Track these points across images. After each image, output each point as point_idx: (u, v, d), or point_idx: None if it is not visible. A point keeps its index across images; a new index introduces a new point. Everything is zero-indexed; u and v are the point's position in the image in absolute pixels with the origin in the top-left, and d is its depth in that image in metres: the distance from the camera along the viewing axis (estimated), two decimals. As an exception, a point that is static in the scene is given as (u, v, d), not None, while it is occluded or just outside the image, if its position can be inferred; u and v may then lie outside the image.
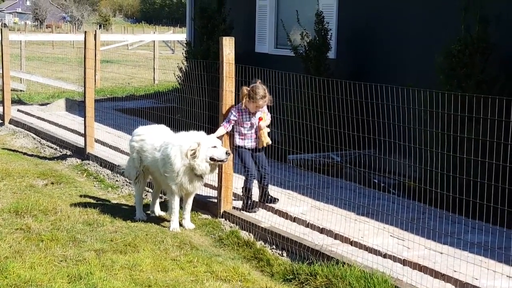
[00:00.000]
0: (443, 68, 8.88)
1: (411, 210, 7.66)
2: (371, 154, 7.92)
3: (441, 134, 7.57)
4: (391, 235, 7.57)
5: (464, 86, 8.44)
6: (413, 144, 6.96)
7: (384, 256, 6.97)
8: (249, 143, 8.52)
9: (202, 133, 8.06)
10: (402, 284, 6.25)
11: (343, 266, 6.54)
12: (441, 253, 6.96)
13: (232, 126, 8.48)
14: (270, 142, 8.48)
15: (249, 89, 8.36)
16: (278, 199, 8.73)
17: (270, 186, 8.83)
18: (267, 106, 8.51)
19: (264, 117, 8.47)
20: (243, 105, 8.39)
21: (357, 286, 6.21)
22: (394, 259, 6.88)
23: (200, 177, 8.01)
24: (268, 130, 8.49)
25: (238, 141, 8.51)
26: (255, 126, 8.49)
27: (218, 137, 8.29)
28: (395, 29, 11.25)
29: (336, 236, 7.58)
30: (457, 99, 7.00)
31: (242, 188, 8.66)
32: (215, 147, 7.87)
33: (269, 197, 8.70)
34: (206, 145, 7.85)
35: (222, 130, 8.46)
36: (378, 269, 6.45)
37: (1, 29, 16.50)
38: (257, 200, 8.71)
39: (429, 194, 6.81)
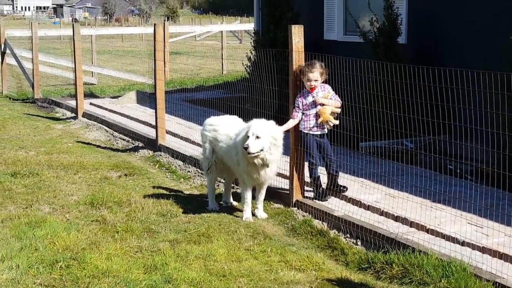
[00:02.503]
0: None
1: (489, 196, 7.48)
2: (445, 140, 7.74)
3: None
4: (468, 222, 7.41)
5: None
6: (490, 129, 6.78)
7: (462, 243, 6.83)
8: (311, 124, 8.39)
9: (257, 121, 7.93)
10: (482, 272, 6.11)
11: (419, 254, 6.44)
12: (522, 240, 6.78)
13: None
14: (333, 121, 8.28)
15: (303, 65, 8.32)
16: (346, 188, 8.61)
17: (342, 174, 8.73)
18: (326, 81, 8.36)
19: (327, 96, 8.32)
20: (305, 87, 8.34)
21: (434, 274, 6.11)
22: (473, 246, 6.73)
23: (263, 165, 7.94)
24: (334, 110, 8.29)
25: (302, 126, 8.41)
26: (316, 108, 8.33)
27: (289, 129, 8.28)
28: (467, 12, 10.99)
29: (411, 224, 7.46)
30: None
31: (310, 177, 8.59)
32: (248, 137, 7.68)
33: (338, 186, 8.58)
34: (246, 134, 7.76)
35: (291, 122, 8.37)
36: (456, 257, 6.33)
37: (73, 24, 16.77)
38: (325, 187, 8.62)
39: (508, 179, 6.62)
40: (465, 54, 10.86)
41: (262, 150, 7.69)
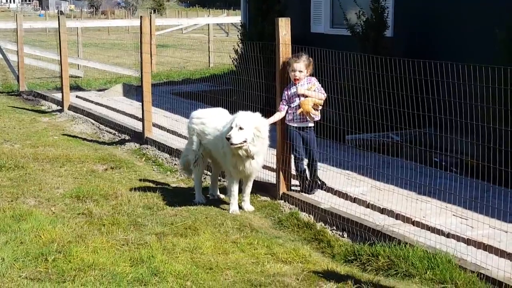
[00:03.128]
0: (505, 43, 8.67)
1: (474, 188, 7.52)
2: (431, 132, 7.77)
3: (503, 111, 7.39)
4: (453, 214, 7.46)
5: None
6: (475, 121, 6.81)
7: (447, 235, 6.88)
8: (293, 116, 8.36)
9: (242, 113, 7.94)
10: (467, 263, 6.15)
11: (405, 246, 6.48)
12: (506, 231, 6.82)
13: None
14: (313, 113, 8.26)
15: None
16: (325, 183, 8.61)
17: (328, 167, 8.74)
18: (312, 75, 8.37)
19: (311, 88, 8.30)
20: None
21: (420, 266, 6.14)
22: (458, 238, 6.78)
23: (247, 157, 7.92)
24: (316, 101, 8.26)
25: (287, 118, 8.41)
26: (299, 99, 8.30)
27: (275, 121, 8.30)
28: (453, 4, 11.02)
29: (397, 216, 7.50)
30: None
31: (296, 170, 8.60)
32: (231, 128, 7.72)
33: (317, 182, 8.58)
34: (230, 126, 7.79)
35: (277, 114, 8.38)
36: (441, 249, 6.37)
37: (59, 17, 16.69)
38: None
39: (492, 172, 6.66)
40: (453, 47, 10.88)
41: (245, 141, 7.70)
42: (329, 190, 8.52)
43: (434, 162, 8.74)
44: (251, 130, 7.73)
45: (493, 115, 7.77)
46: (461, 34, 10.80)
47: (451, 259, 6.16)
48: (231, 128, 7.70)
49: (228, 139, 7.65)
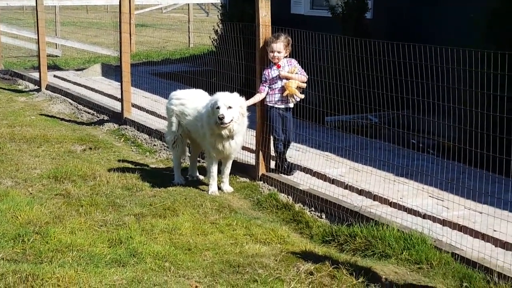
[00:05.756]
0: (481, 25, 8.70)
1: (450, 170, 7.60)
2: (409, 114, 7.82)
3: (480, 93, 7.43)
4: (430, 196, 7.53)
5: (504, 44, 8.26)
6: (452, 104, 6.86)
7: (423, 216, 6.94)
8: (276, 97, 8.39)
9: (223, 93, 7.92)
10: (442, 244, 6.23)
11: (382, 227, 6.53)
12: (481, 212, 6.91)
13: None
14: (299, 95, 8.28)
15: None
16: (295, 169, 8.65)
17: (307, 148, 8.76)
18: (289, 55, 8.39)
19: (293, 70, 8.33)
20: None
21: (396, 246, 6.21)
22: (434, 219, 6.85)
23: (229, 137, 7.94)
24: (299, 84, 8.29)
25: (268, 99, 8.42)
26: (281, 81, 8.34)
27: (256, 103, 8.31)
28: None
29: (375, 198, 7.55)
30: (497, 58, 6.84)
31: (275, 151, 8.62)
32: (218, 108, 7.70)
33: (288, 163, 8.61)
34: (213, 107, 7.78)
35: (258, 96, 8.40)
36: (417, 230, 6.43)
37: (36, -5, 16.51)
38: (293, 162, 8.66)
39: (468, 154, 6.72)
40: (431, 29, 10.91)
41: (232, 120, 7.72)
42: (308, 171, 8.56)
43: (411, 144, 8.79)
44: (237, 109, 7.78)
45: (470, 97, 7.81)
46: (440, 16, 10.81)
47: (427, 239, 6.23)
48: (218, 108, 7.68)
49: (221, 118, 7.63)
